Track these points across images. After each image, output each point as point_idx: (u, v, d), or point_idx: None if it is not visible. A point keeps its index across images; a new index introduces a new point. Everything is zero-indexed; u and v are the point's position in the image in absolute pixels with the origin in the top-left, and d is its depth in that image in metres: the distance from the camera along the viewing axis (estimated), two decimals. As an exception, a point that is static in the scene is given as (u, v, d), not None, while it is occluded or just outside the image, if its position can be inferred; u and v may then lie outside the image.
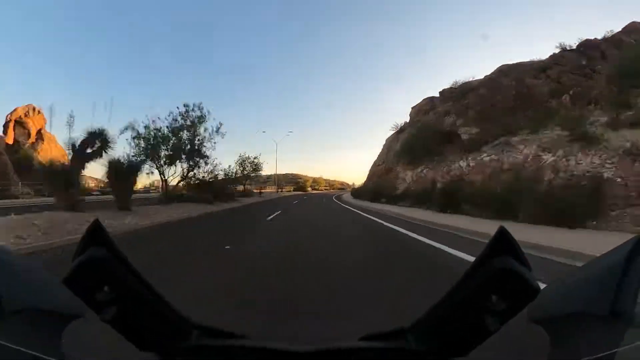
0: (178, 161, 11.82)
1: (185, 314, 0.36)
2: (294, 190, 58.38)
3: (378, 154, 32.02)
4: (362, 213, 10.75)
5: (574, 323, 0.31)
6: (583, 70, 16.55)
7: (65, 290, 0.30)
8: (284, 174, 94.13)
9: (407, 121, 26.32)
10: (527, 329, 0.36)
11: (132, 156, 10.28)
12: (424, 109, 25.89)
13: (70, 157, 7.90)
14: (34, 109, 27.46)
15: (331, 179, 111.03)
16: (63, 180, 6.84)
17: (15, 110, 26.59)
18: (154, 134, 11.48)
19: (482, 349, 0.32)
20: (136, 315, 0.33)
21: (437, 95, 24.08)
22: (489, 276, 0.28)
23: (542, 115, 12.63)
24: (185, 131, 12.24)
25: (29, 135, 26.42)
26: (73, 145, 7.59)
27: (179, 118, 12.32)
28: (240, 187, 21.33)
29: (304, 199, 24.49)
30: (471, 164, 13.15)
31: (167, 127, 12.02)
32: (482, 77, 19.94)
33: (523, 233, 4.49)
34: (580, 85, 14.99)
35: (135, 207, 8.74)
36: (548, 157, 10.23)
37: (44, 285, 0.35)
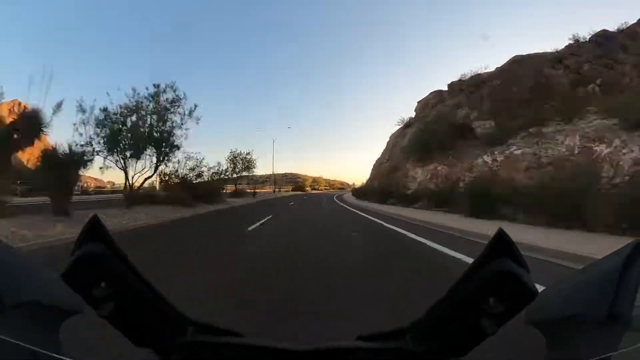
0: (146, 153, 9.80)
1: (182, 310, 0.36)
2: (292, 190, 56.09)
3: (381, 151, 30.35)
4: (375, 219, 8.73)
5: (571, 326, 0.31)
6: (602, 60, 14.42)
7: (63, 285, 0.29)
8: (282, 174, 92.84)
9: (413, 117, 24.52)
10: (524, 331, 0.36)
11: (80, 145, 8.20)
12: (432, 103, 24.27)
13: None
14: None
15: (331, 179, 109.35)
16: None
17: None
18: (114, 118, 9.27)
19: (480, 351, 0.31)
20: (133, 311, 0.32)
21: (445, 88, 22.30)
22: (487, 278, 0.28)
23: (572, 105, 10.78)
24: (152, 116, 10.01)
25: None
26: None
27: (145, 101, 10.07)
28: (232, 187, 19.40)
29: (303, 199, 22.56)
30: (498, 159, 11.19)
31: (128, 109, 9.66)
32: (493, 68, 18.21)
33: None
34: (601, 75, 13.51)
35: (84, 210, 6.77)
36: (602, 148, 8.25)
37: (43, 280, 0.36)
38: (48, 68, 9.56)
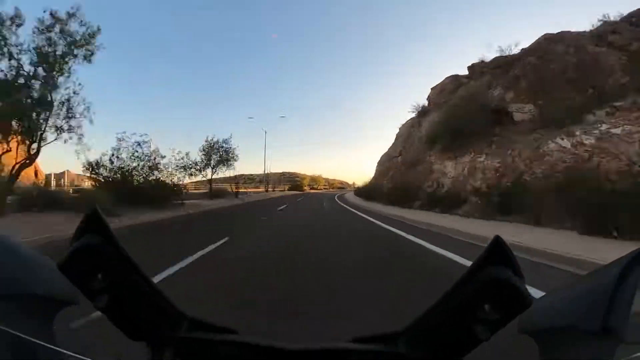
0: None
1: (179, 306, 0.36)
2: (288, 190, 52.08)
3: (388, 146, 26.80)
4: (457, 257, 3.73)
5: (565, 336, 0.31)
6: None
7: (60, 276, 0.29)
8: (280, 173, 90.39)
9: (426, 105, 21.23)
10: (518, 339, 0.36)
11: None
12: (449, 88, 20.82)
13: None
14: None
15: (330, 178, 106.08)
16: None
17: None
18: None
19: (473, 357, 0.31)
20: (128, 304, 0.32)
21: (461, 73, 19.24)
22: (483, 285, 0.28)
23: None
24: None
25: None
26: None
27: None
28: (222, 185, 15.80)
29: (297, 201, 18.86)
30: (586, 141, 7.56)
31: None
32: (520, 50, 15.28)
33: None
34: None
35: None
36: None
37: (39, 270, 0.36)
38: None
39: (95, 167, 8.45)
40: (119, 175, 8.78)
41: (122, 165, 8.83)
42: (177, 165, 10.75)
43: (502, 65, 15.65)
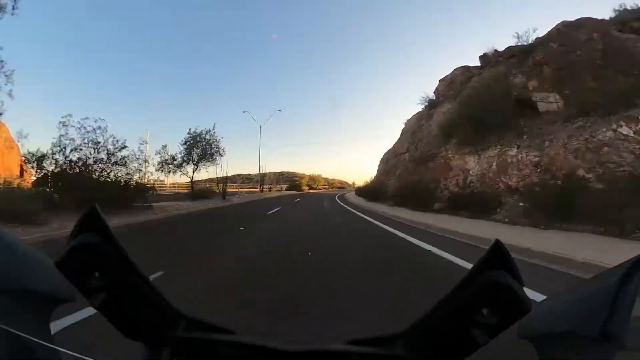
0: None
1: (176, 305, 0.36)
2: (286, 190, 50.14)
3: (392, 143, 25.19)
4: None
5: (564, 342, 0.31)
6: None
7: (57, 273, 0.29)
8: (279, 172, 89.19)
9: (434, 98, 19.79)
10: (517, 344, 0.36)
11: None
12: (459, 80, 19.32)
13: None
14: None
15: (329, 178, 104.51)
16: None
17: None
18: None
19: None
20: (125, 303, 0.32)
21: (471, 64, 17.81)
22: (482, 289, 0.28)
23: None
24: None
25: None
26: None
27: None
28: (212, 185, 14.08)
29: (295, 201, 17.07)
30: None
31: None
32: (536, 37, 14.03)
33: None
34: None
35: None
36: None
37: (36, 267, 0.36)
38: None
39: (38, 160, 6.71)
40: (70, 171, 7.03)
41: (73, 159, 7.06)
42: (146, 160, 8.76)
43: (518, 54, 14.48)
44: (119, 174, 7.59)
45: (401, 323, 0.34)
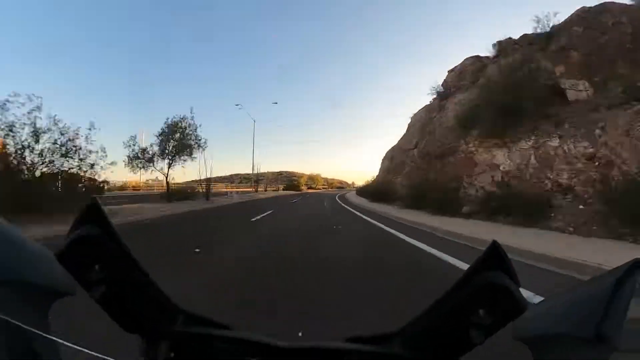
0: None
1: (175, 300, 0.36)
2: (284, 189, 48.36)
3: (398, 139, 23.61)
4: None
5: (559, 344, 0.32)
6: None
7: (57, 266, 0.30)
8: (278, 172, 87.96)
9: (442, 91, 18.30)
10: (514, 345, 0.37)
11: None
12: (470, 70, 17.84)
13: None
14: None
15: (329, 177, 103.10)
16: None
17: None
18: None
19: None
20: (124, 296, 0.32)
21: (482, 54, 16.29)
22: (478, 289, 0.29)
23: None
24: None
25: None
26: None
27: None
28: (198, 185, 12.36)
29: (291, 203, 15.38)
30: None
31: None
32: (555, 22, 12.67)
33: None
34: None
35: None
36: None
37: (37, 259, 0.36)
38: None
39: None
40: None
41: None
42: (97, 151, 6.85)
43: (538, 40, 13.11)
44: (62, 167, 5.86)
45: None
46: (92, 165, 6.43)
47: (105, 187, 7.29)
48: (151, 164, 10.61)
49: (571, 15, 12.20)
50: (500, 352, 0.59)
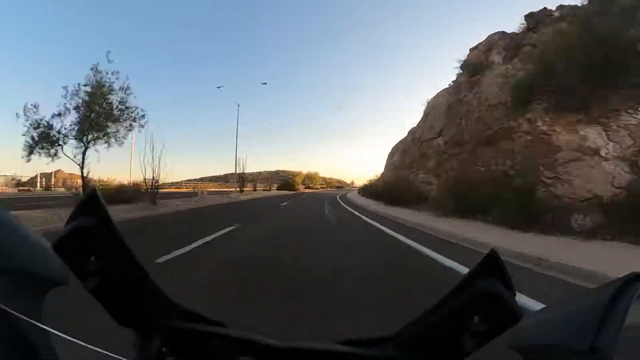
0: None
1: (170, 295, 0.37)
2: (278, 189, 45.13)
3: (400, 135, 20.80)
4: None
5: (552, 355, 0.32)
6: None
7: (53, 255, 0.30)
8: (274, 171, 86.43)
9: (455, 80, 15.79)
10: (507, 354, 0.37)
11: None
12: (500, 44, 15.27)
13: None
14: None
15: (327, 177, 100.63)
16: None
17: None
18: None
19: None
20: (119, 288, 0.33)
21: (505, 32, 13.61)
22: (474, 297, 0.29)
23: None
24: None
25: None
26: None
27: None
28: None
29: (280, 208, 12.36)
30: None
31: None
32: None
33: None
34: None
35: None
36: None
37: (33, 247, 0.36)
38: None
39: None
40: None
41: None
42: None
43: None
44: None
45: None
46: None
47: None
48: (54, 147, 7.24)
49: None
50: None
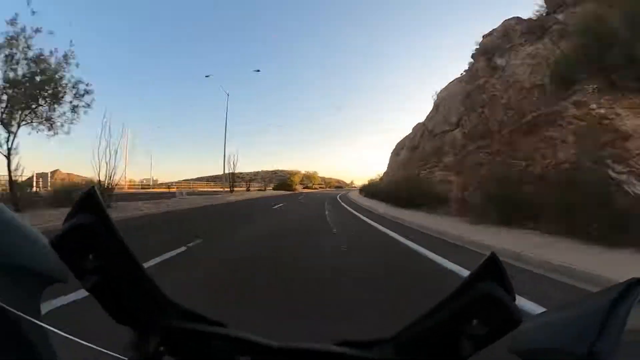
0: None
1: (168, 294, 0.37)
2: (274, 189, 43.73)
3: (400, 134, 19.59)
4: None
5: (551, 358, 0.33)
6: None
7: (51, 253, 0.31)
8: (272, 171, 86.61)
9: (469, 67, 14.70)
10: (507, 358, 0.37)
11: None
12: (518, 29, 14.33)
13: None
14: None
15: (326, 177, 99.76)
16: None
17: None
18: None
19: None
20: (117, 287, 0.33)
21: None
22: (473, 300, 0.29)
23: None
24: None
25: None
26: None
27: None
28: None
29: (270, 212, 10.91)
30: None
31: None
32: None
33: None
34: None
35: None
36: None
37: (32, 244, 0.37)
38: None
39: None
40: None
41: None
42: None
43: None
44: None
45: None
46: None
47: None
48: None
49: None
50: None
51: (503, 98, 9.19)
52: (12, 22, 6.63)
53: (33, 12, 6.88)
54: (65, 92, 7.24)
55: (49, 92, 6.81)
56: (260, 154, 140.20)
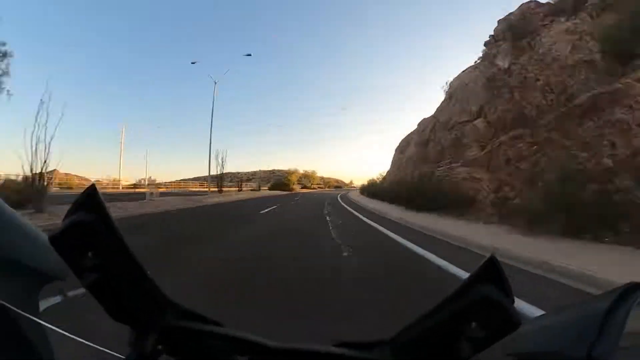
0: None
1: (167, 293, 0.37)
2: (270, 189, 42.29)
3: (410, 130, 18.47)
4: None
5: None
6: None
7: (51, 251, 0.31)
8: (270, 171, 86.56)
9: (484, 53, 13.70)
10: None
11: None
12: (539, 13, 13.55)
13: None
14: None
15: (325, 176, 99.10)
16: None
17: None
18: None
19: None
20: (116, 285, 0.33)
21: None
22: (472, 302, 0.30)
23: None
24: None
25: None
26: None
27: None
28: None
29: (251, 219, 9.54)
30: None
31: None
32: None
33: None
34: None
35: None
36: None
37: (33, 242, 0.38)
38: None
39: None
40: None
41: None
42: None
43: None
44: None
45: None
46: None
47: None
48: None
49: None
50: None
51: (539, 80, 8.01)
52: None
53: None
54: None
55: None
56: (259, 154, 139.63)
